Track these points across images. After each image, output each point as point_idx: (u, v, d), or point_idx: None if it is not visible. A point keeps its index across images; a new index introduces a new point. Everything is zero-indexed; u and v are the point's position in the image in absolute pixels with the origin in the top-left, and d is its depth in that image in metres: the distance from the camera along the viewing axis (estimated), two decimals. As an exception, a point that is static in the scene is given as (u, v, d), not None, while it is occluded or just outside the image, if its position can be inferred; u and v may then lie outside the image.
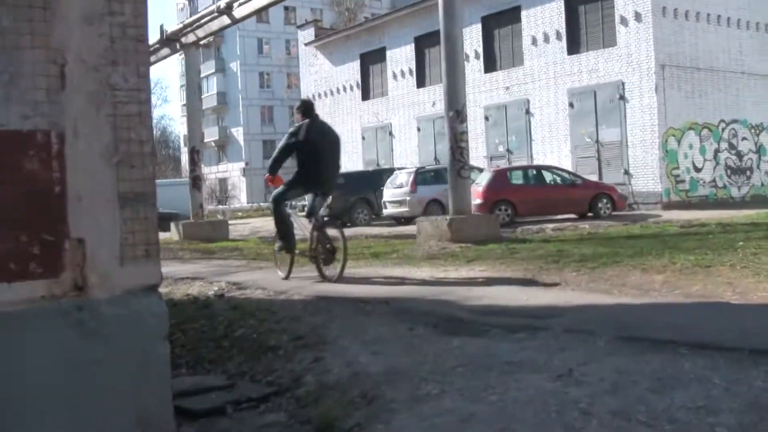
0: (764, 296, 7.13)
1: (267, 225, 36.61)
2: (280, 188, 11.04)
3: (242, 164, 78.73)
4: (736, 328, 5.77)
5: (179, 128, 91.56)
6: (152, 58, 28.37)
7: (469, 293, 8.49)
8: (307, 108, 11.00)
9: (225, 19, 23.35)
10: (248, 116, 78.85)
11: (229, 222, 44.25)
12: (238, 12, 22.54)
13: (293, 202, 12.33)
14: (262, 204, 62.83)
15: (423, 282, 9.94)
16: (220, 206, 63.53)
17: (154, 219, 4.14)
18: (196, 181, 25.66)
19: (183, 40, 25.50)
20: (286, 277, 10.88)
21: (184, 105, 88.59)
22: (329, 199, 12.60)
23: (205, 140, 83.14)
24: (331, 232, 10.84)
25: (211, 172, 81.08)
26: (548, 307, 7.27)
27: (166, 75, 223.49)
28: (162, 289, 10.55)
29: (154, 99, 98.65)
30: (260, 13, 76.44)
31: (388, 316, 7.36)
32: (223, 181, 79.54)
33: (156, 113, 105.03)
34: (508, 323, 6.43)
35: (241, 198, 75.84)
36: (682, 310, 6.90)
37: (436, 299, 8.18)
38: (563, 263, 10.28)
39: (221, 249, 20.39)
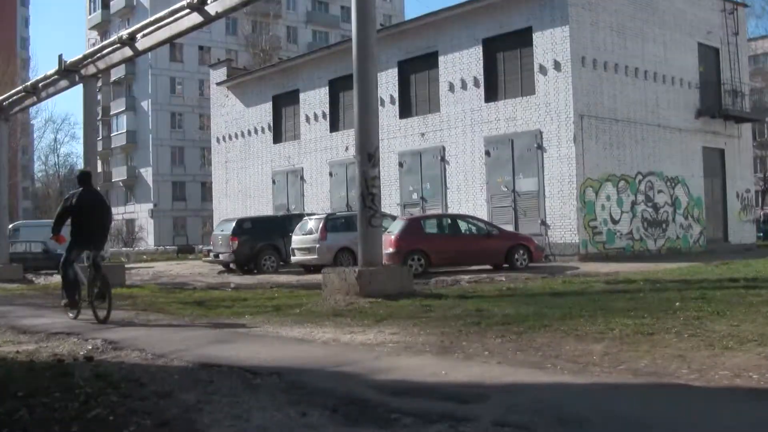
0: (727, 375, 6.03)
1: (171, 269, 35.04)
2: (64, 255, 13.07)
3: (150, 205, 76.39)
4: (709, 426, 4.63)
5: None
6: (50, 90, 27.14)
7: (377, 363, 7.23)
8: (82, 178, 13.17)
9: (127, 51, 22.05)
10: (158, 156, 76.64)
11: (133, 266, 42.62)
12: (141, 44, 21.28)
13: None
14: (168, 247, 60.87)
15: (324, 345, 8.67)
16: (125, 248, 61.12)
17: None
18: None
19: (83, 71, 24.03)
20: (75, 318, 12.67)
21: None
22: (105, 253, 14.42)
23: (113, 180, 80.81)
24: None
25: (118, 213, 78.59)
26: (471, 385, 6.04)
27: (76, 111, 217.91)
28: (29, 347, 9.11)
29: (61, 135, 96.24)
30: (174, 53, 75.30)
31: (278, 393, 6.10)
32: (130, 222, 76.95)
33: (63, 150, 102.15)
34: (424, 409, 5.20)
35: (148, 240, 73.41)
36: (635, 395, 5.66)
37: (337, 371, 6.92)
38: (485, 325, 9.12)
39: (114, 297, 18.75)
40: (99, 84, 79.16)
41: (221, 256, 29.32)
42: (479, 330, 8.83)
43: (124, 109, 79.16)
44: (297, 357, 7.80)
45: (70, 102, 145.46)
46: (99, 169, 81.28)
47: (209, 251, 31.59)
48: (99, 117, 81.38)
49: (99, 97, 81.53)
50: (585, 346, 7.54)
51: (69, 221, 12.86)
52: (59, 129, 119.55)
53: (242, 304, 14.92)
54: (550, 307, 10.94)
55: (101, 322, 11.93)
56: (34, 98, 28.86)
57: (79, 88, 25.13)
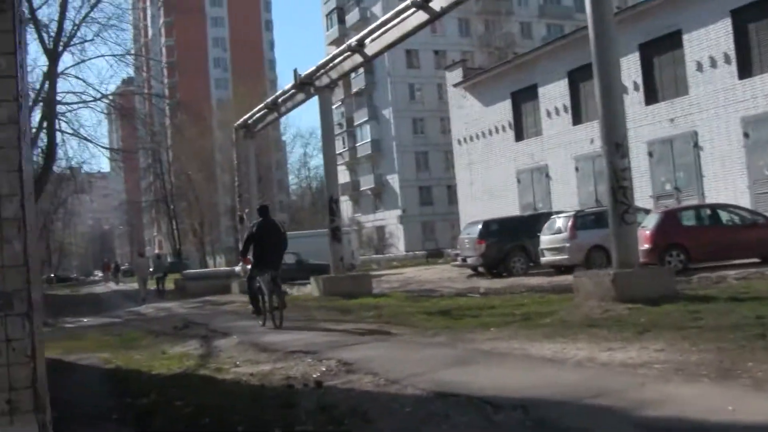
0: None
1: (420, 275, 34.68)
2: (249, 272, 16.11)
3: (398, 212, 76.96)
4: None
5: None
6: (289, 104, 27.67)
7: (642, 394, 5.96)
8: (262, 211, 15.83)
9: (357, 58, 21.89)
10: (403, 163, 77.20)
11: (383, 273, 42.78)
12: (370, 49, 21.02)
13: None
14: (417, 252, 60.90)
15: (578, 366, 7.44)
16: (375, 255, 61.75)
17: (28, 341, 2.40)
18: (335, 233, 23.82)
19: (317, 83, 24.15)
20: (263, 324, 15.10)
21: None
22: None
23: (361, 188, 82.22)
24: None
25: (368, 221, 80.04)
26: (768, 427, 4.71)
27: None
28: (265, 368, 8.47)
29: (310, 149, 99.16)
30: (410, 59, 75.70)
31: (524, 435, 5.03)
32: (380, 229, 78.11)
33: (313, 163, 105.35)
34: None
35: (399, 246, 74.02)
36: None
37: (595, 404, 5.75)
38: (772, 338, 7.57)
39: (359, 307, 18.54)
40: (341, 96, 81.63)
41: (469, 260, 28.65)
42: (765, 344, 7.33)
43: (366, 119, 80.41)
44: (546, 384, 6.66)
45: (316, 117, 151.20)
46: (347, 179, 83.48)
47: (457, 255, 31.09)
48: (344, 128, 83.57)
49: (342, 109, 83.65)
50: None
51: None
52: (308, 143, 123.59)
53: (489, 312, 13.99)
54: None
55: (277, 327, 14.41)
56: (275, 114, 29.56)
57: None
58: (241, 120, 32.27)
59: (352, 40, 21.59)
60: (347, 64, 22.71)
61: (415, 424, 5.68)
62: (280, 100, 28.00)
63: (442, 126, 71.54)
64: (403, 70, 76.23)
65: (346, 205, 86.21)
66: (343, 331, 12.96)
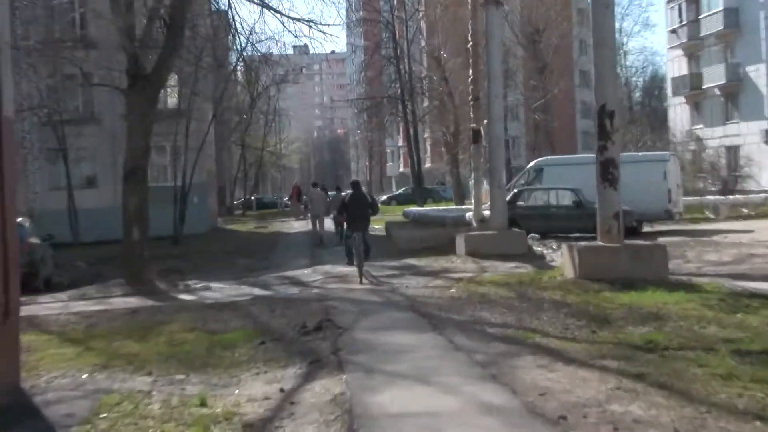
0: None
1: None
2: (345, 232, 29.25)
3: (764, 124, 69.98)
4: None
5: (671, 68, 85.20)
6: None
7: None
8: (354, 185, 28.13)
9: None
10: (775, 47, 70.80)
11: (720, 227, 37.98)
12: None
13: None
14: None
15: None
16: (711, 197, 55.15)
17: None
18: (607, 170, 19.50)
19: None
20: (360, 283, 23.77)
21: (671, 31, 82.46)
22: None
23: (705, 85, 76.46)
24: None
25: (713, 136, 74.06)
26: None
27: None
28: None
29: (628, 24, 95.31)
30: None
31: None
32: (731, 150, 71.44)
33: (633, 44, 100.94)
34: None
35: (761, 179, 66.92)
36: None
37: None
38: None
39: (627, 313, 15.13)
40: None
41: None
42: None
43: (717, -20, 74.60)
44: None
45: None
46: (683, 70, 78.63)
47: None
48: (683, -8, 78.30)
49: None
50: None
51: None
52: (626, 14, 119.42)
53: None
54: None
55: (360, 283, 23.66)
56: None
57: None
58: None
59: None
60: None
61: None
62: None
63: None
64: None
65: (680, 110, 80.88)
66: (533, 410, 9.13)
